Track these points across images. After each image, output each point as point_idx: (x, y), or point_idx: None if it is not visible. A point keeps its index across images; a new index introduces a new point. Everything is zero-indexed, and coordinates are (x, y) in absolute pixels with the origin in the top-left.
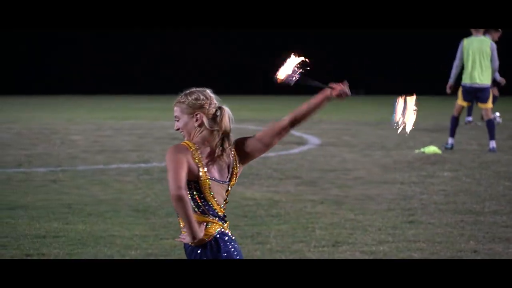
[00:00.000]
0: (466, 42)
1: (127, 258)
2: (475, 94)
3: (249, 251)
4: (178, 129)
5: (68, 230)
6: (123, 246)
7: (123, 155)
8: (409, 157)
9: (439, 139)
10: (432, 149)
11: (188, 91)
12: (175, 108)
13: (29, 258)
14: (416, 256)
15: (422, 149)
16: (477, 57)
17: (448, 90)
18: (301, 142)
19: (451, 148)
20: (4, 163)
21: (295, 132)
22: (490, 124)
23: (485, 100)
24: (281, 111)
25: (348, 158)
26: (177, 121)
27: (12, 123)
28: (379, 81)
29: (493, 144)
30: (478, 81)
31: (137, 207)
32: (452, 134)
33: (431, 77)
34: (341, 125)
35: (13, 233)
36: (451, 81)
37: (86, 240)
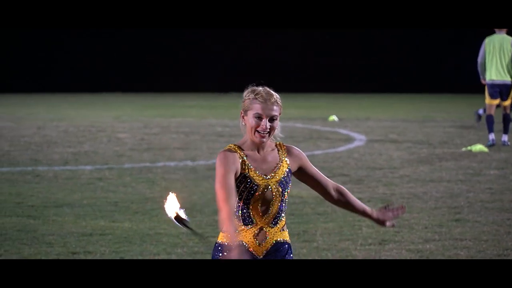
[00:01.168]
0: (487, 39)
1: (173, 256)
2: (500, 90)
3: (296, 249)
4: (270, 130)
5: (114, 228)
6: (169, 244)
7: (170, 153)
8: (455, 155)
9: (486, 137)
10: (478, 147)
11: (270, 90)
12: (275, 107)
13: (75, 256)
14: (463, 254)
15: (469, 147)
16: (497, 54)
17: (484, 83)
18: (348, 139)
19: (493, 144)
20: (50, 161)
21: (342, 130)
22: (506, 118)
23: (506, 97)
24: (326, 108)
25: (394, 156)
26: (275, 120)
27: (59, 121)
28: (425, 79)
29: (504, 138)
30: (500, 77)
31: (183, 205)
32: (491, 130)
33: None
34: (387, 122)
35: (60, 231)
36: (482, 77)
37: (132, 238)
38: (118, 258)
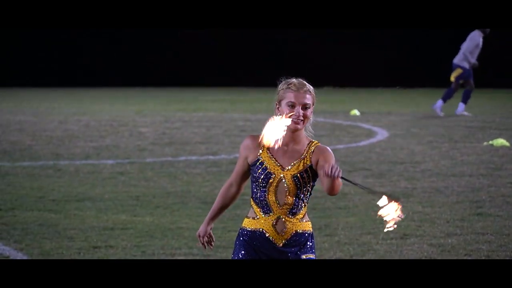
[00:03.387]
0: None
1: (194, 250)
2: None
3: (317, 243)
4: (304, 118)
5: (136, 222)
6: (191, 238)
7: (191, 147)
8: (477, 150)
9: (507, 132)
10: (500, 141)
11: (303, 80)
12: (308, 96)
13: (96, 250)
14: (484, 248)
15: (490, 142)
16: None
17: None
18: (369, 134)
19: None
20: (72, 155)
21: (363, 124)
22: None
23: None
24: (348, 102)
25: (416, 150)
26: (308, 108)
27: (81, 115)
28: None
29: None
30: None
31: (205, 199)
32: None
33: (499, 70)
34: (409, 117)
35: (81, 225)
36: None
37: (153, 232)
38: (139, 253)
